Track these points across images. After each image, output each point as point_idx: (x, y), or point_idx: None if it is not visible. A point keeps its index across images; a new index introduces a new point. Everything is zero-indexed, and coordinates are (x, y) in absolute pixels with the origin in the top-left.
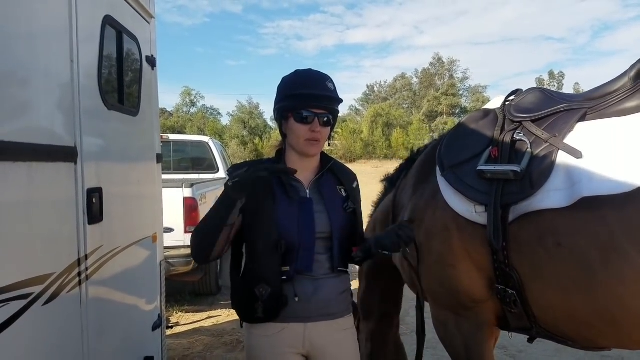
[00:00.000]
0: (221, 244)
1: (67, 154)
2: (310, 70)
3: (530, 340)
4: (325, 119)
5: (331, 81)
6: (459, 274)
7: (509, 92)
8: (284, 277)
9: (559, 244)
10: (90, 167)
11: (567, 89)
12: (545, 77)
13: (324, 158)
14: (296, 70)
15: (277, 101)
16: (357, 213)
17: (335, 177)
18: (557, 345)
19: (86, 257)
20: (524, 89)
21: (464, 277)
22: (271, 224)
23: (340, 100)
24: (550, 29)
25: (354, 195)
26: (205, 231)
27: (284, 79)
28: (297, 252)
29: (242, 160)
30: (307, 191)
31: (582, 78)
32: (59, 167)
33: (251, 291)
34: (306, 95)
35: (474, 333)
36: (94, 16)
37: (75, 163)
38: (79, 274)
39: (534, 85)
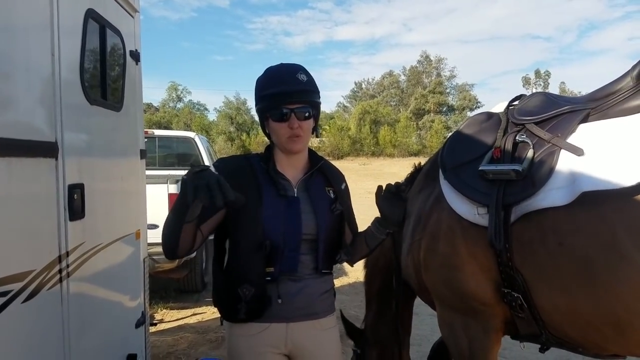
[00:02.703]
0: (188, 240)
1: (47, 149)
2: (280, 65)
3: (542, 350)
4: (307, 113)
5: (304, 71)
6: (465, 277)
7: (513, 98)
8: (268, 278)
9: (560, 244)
10: (71, 162)
11: (553, 88)
12: (532, 75)
13: (313, 157)
14: (267, 69)
15: (255, 104)
16: (344, 215)
17: (324, 178)
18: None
19: (67, 253)
20: (527, 94)
21: (470, 279)
22: (256, 224)
23: (316, 90)
24: (537, 27)
25: (342, 196)
26: (166, 229)
27: (257, 80)
28: (282, 253)
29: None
30: (295, 190)
31: (568, 77)
32: (39, 162)
33: (234, 291)
34: (277, 94)
35: (480, 338)
36: (76, 9)
37: (56, 158)
38: (60, 271)
39: (521, 84)
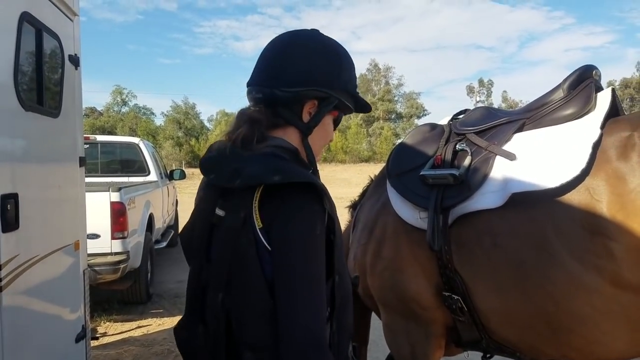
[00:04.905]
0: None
1: None
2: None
3: (485, 358)
4: None
5: None
6: (407, 279)
7: (458, 111)
8: None
9: (495, 244)
10: (3, 171)
11: (496, 96)
12: (476, 84)
13: None
14: (341, 46)
15: (339, 86)
16: None
17: None
18: None
19: (0, 267)
20: (471, 109)
21: (411, 282)
22: (346, 264)
23: None
24: (480, 37)
25: None
26: None
27: (346, 55)
28: None
29: (179, 163)
30: None
31: (510, 86)
32: None
33: (343, 356)
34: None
35: (421, 342)
36: (9, 12)
37: None
38: None
39: (465, 92)
